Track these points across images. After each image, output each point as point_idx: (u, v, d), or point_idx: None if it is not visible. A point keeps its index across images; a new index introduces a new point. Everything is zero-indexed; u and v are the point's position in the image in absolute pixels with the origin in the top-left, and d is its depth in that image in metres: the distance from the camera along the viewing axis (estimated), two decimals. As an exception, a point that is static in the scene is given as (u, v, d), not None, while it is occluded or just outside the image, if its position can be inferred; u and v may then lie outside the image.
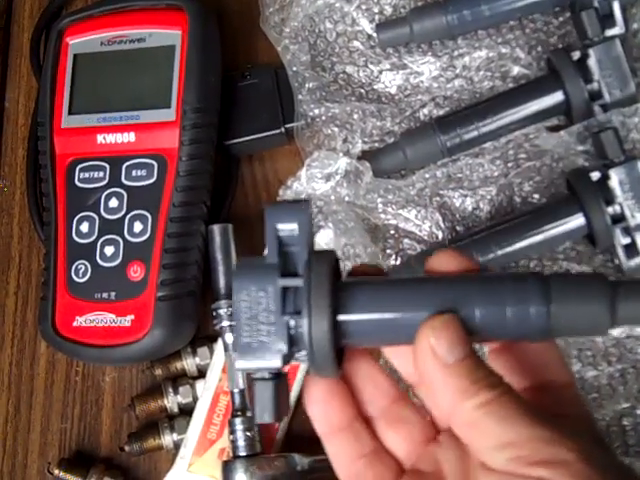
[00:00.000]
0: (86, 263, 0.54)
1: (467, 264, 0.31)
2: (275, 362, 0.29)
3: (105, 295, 0.53)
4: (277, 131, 0.58)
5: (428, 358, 0.29)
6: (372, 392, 0.33)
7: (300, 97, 0.57)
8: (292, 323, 0.30)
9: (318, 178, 0.55)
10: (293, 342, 0.30)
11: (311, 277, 0.29)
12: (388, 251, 0.56)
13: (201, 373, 0.55)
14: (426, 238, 0.56)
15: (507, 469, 0.27)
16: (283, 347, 0.29)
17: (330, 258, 0.30)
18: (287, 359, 0.30)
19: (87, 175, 0.55)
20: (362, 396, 0.33)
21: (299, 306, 0.29)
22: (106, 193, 0.54)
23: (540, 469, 0.27)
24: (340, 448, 0.33)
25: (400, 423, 0.33)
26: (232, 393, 0.52)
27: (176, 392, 0.55)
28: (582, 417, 0.31)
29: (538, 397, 0.31)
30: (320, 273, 0.30)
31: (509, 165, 0.56)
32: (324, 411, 0.32)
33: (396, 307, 0.30)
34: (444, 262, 0.31)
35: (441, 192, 0.56)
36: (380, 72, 0.59)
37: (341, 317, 0.30)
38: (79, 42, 0.57)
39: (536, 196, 0.56)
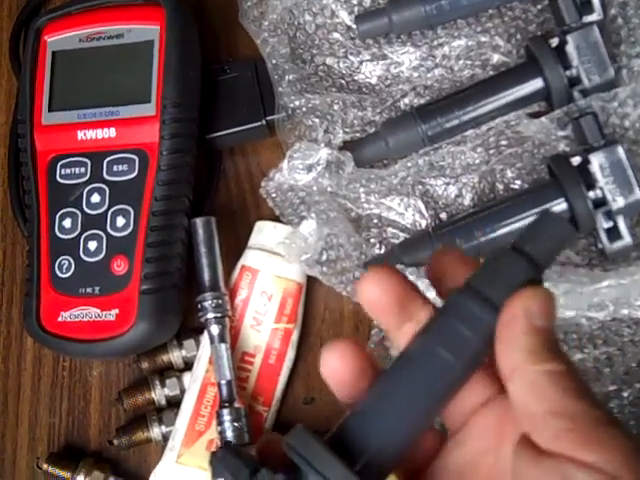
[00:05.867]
0: (69, 259, 0.54)
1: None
2: None
3: (89, 290, 0.53)
4: (258, 124, 0.58)
5: (519, 313, 0.29)
6: None
7: (280, 89, 0.57)
8: None
9: (300, 169, 0.55)
10: None
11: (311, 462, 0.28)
12: (372, 240, 0.56)
13: (188, 365, 0.56)
14: (409, 227, 0.56)
15: (554, 446, 0.27)
16: None
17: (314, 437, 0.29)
18: None
19: (68, 171, 0.55)
20: None
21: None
22: (88, 189, 0.55)
23: (593, 453, 0.26)
24: None
25: None
26: (219, 384, 0.52)
27: (163, 385, 0.55)
28: None
29: None
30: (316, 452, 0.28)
31: (491, 152, 0.56)
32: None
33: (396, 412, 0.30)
34: None
35: (423, 180, 0.56)
36: (360, 63, 0.59)
37: (361, 464, 0.29)
38: (57, 40, 0.57)
39: (518, 182, 0.56)
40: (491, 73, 0.58)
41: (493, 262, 0.30)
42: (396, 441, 0.30)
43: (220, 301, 0.53)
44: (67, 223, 0.54)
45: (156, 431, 0.54)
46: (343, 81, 0.59)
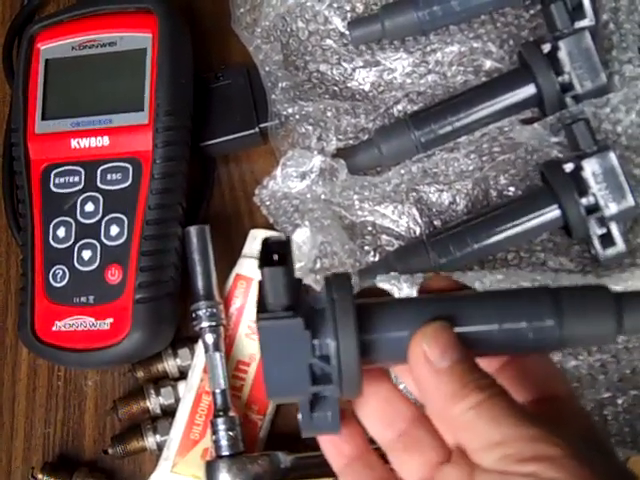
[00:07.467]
0: (64, 268, 0.54)
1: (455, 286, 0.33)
2: (304, 394, 0.30)
3: (84, 299, 0.53)
4: (251, 131, 0.58)
5: (421, 364, 0.30)
6: (391, 414, 0.33)
7: (273, 96, 0.57)
8: (316, 343, 0.30)
9: (293, 177, 0.55)
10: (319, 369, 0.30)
11: (335, 301, 0.30)
12: (366, 248, 0.56)
13: (182, 374, 0.56)
14: (404, 234, 0.56)
15: (498, 468, 0.28)
16: (309, 387, 0.30)
17: (348, 281, 0.31)
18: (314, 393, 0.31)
19: (62, 180, 0.55)
20: (381, 419, 0.33)
21: (324, 330, 0.30)
22: (82, 197, 0.55)
23: (529, 465, 0.27)
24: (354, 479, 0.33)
25: (416, 446, 0.33)
26: (214, 393, 0.52)
27: (158, 394, 0.55)
28: (582, 425, 0.32)
29: (540, 409, 0.32)
30: (343, 297, 0.30)
31: (484, 159, 0.56)
32: (335, 442, 0.33)
33: (416, 324, 0.31)
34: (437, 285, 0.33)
35: (417, 187, 0.56)
36: (353, 69, 0.59)
37: (365, 336, 0.30)
38: (50, 47, 0.57)
39: (512, 189, 0.56)
40: (484, 79, 0.58)
41: (589, 292, 0.31)
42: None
43: (214, 310, 0.53)
44: (61, 232, 0.54)
45: (151, 440, 0.54)
46: (336, 88, 0.59)
